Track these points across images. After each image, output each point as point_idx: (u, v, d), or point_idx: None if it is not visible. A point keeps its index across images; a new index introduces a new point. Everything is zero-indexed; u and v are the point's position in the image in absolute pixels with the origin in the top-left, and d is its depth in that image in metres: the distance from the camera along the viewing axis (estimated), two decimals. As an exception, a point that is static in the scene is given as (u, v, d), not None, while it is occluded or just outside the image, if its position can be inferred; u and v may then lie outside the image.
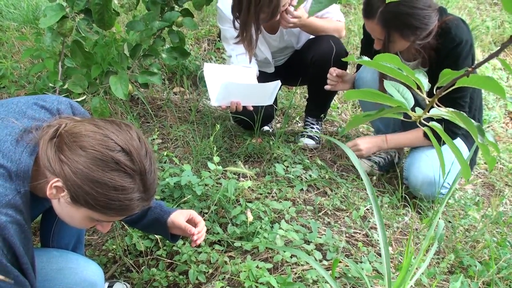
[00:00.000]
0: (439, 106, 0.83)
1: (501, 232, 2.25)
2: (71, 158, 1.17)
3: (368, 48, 2.44)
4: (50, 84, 2.30)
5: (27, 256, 1.19)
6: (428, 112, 0.84)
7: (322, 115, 2.91)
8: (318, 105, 2.87)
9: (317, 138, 2.85)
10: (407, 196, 2.38)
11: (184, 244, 1.96)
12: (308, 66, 2.68)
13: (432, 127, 0.89)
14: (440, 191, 2.35)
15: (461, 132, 2.33)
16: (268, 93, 2.45)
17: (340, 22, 2.64)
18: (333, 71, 2.55)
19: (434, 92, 0.81)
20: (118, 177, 1.17)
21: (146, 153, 1.23)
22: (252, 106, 2.48)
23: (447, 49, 2.15)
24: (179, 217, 1.66)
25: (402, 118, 0.94)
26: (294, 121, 3.22)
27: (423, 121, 0.88)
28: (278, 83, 2.41)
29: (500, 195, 2.69)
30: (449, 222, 2.30)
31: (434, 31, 2.14)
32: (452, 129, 2.26)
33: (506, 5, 0.65)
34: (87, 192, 1.18)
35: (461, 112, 0.81)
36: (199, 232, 1.65)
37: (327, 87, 2.57)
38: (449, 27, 2.14)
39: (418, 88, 0.84)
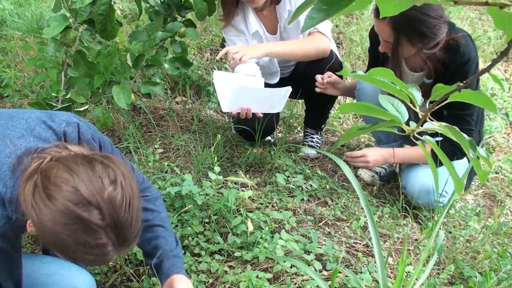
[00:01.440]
0: (432, 120, 0.85)
1: (501, 243, 2.25)
2: (40, 207, 1.10)
3: (375, 55, 2.46)
4: (53, 94, 2.32)
5: (9, 279, 1.19)
6: (421, 126, 0.85)
7: (322, 125, 2.92)
8: (316, 117, 2.88)
9: (318, 148, 2.86)
10: (407, 207, 2.38)
11: (184, 253, 1.97)
12: (302, 77, 2.69)
13: (426, 141, 0.91)
14: (439, 200, 2.35)
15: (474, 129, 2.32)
16: (279, 99, 2.46)
17: (323, 37, 2.58)
18: (320, 78, 2.57)
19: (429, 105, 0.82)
20: (83, 234, 1.10)
21: (122, 201, 1.14)
22: (262, 113, 2.48)
23: (455, 66, 2.16)
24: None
25: (396, 132, 0.95)
26: (296, 130, 3.24)
27: (416, 135, 0.89)
28: (288, 89, 2.42)
29: (501, 206, 2.68)
30: (450, 232, 2.30)
31: (441, 43, 2.14)
32: (460, 149, 2.25)
33: (497, 23, 0.66)
34: (54, 245, 1.14)
35: (460, 127, 0.82)
36: None
37: (317, 89, 2.59)
38: (459, 44, 2.14)
39: (412, 102, 0.86)
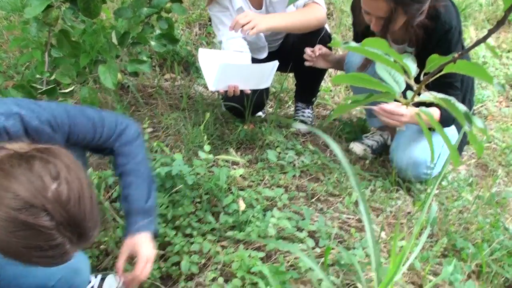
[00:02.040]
0: (427, 91, 0.82)
1: (494, 213, 2.25)
2: None
3: (360, 31, 2.41)
4: (38, 76, 2.26)
5: None
6: (417, 97, 0.82)
7: (313, 99, 2.89)
8: (306, 90, 2.85)
9: (309, 122, 2.83)
10: (399, 180, 2.37)
11: (176, 234, 1.95)
12: (291, 51, 2.65)
13: (421, 112, 0.88)
14: (426, 172, 2.32)
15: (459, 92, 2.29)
16: (266, 74, 2.42)
17: (321, 7, 2.54)
18: (310, 50, 2.50)
19: (422, 77, 0.79)
20: (35, 239, 1.05)
21: (69, 196, 1.08)
22: (250, 90, 2.44)
23: (438, 34, 2.12)
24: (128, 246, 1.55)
25: (392, 101, 0.92)
26: (287, 105, 3.20)
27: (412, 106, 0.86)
28: (275, 63, 2.37)
29: (493, 175, 2.68)
30: (442, 204, 2.29)
31: (426, 8, 2.11)
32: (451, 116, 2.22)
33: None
34: (6, 252, 1.09)
35: (451, 96, 0.79)
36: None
37: (306, 63, 2.52)
38: (439, 12, 2.10)
39: (406, 73, 0.82)
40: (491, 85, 0.69)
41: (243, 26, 2.29)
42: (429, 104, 0.87)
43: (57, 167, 1.10)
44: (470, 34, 4.12)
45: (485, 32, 4.21)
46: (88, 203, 1.12)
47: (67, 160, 1.13)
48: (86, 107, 1.55)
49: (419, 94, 0.82)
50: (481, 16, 4.38)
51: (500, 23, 0.63)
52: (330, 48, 2.56)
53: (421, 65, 0.79)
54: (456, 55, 0.70)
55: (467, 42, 4.03)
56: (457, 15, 2.16)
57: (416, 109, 0.84)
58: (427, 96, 0.81)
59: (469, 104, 2.48)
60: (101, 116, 1.53)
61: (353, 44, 0.79)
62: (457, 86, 2.23)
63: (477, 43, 0.69)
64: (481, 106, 3.37)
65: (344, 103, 0.87)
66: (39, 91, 2.20)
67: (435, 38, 2.14)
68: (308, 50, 2.50)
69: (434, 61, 0.76)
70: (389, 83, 0.84)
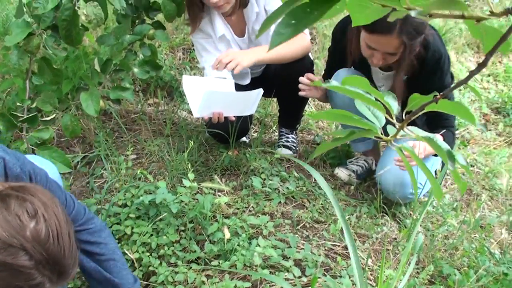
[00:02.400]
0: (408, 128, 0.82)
1: (479, 238, 2.25)
2: None
3: (338, 55, 2.43)
4: (19, 104, 2.23)
5: None
6: (397, 136, 0.81)
7: (297, 125, 2.89)
8: (290, 116, 2.85)
9: (293, 148, 2.83)
10: (384, 206, 2.36)
11: (160, 263, 1.92)
12: (273, 77, 2.66)
13: (402, 148, 0.87)
14: (412, 192, 2.32)
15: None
16: (251, 101, 2.41)
17: (305, 36, 2.54)
18: (305, 77, 2.44)
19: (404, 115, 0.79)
20: (14, 279, 1.02)
21: (48, 233, 1.06)
22: (234, 116, 2.43)
23: (430, 63, 2.16)
24: None
25: (373, 137, 0.92)
26: (271, 130, 3.20)
27: (394, 143, 0.86)
28: (260, 91, 2.37)
29: (477, 200, 2.69)
30: (428, 230, 2.29)
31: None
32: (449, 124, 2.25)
33: (474, 33, 0.63)
34: None
35: (448, 127, 0.79)
36: None
37: (301, 93, 2.46)
38: (429, 41, 2.14)
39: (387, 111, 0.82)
40: (474, 125, 0.70)
41: (226, 64, 2.31)
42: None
43: (34, 205, 1.07)
44: (451, 59, 4.17)
45: (465, 56, 4.28)
46: (66, 240, 1.10)
47: (43, 198, 1.11)
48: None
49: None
50: (461, 41, 4.45)
51: (481, 66, 0.63)
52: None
53: (410, 92, 0.79)
54: (438, 95, 0.70)
55: (449, 66, 4.08)
56: (443, 43, 2.21)
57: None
58: (408, 134, 0.80)
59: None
60: (73, 198, 1.54)
61: (334, 83, 0.78)
62: (453, 123, 2.27)
63: (459, 84, 0.69)
64: (464, 130, 3.40)
65: (325, 142, 0.86)
66: (20, 119, 2.17)
67: (427, 66, 2.17)
68: (303, 79, 2.43)
69: (415, 99, 0.76)
70: (370, 119, 0.84)
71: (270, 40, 0.62)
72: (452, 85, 2.23)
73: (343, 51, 2.38)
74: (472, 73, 0.65)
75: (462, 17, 0.58)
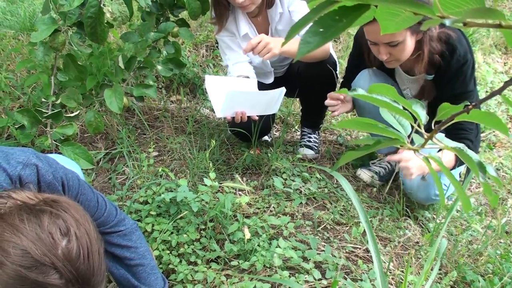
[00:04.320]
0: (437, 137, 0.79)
1: (504, 245, 2.20)
2: None
3: (358, 63, 2.40)
4: (43, 99, 2.25)
5: None
6: (425, 146, 0.79)
7: (319, 125, 2.87)
8: (312, 116, 2.83)
9: (315, 148, 2.80)
10: (407, 209, 2.33)
11: (180, 262, 1.92)
12: (297, 77, 2.63)
13: (430, 158, 0.85)
14: (437, 193, 2.28)
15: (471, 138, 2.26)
16: (273, 100, 2.40)
17: None
18: (329, 97, 2.41)
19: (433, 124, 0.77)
20: None
21: (79, 252, 1.06)
22: (257, 116, 2.42)
23: (454, 68, 2.12)
24: None
25: (399, 146, 0.89)
26: (294, 129, 3.18)
27: (421, 152, 0.84)
28: (282, 90, 2.35)
29: (503, 204, 2.64)
30: (451, 235, 2.25)
31: (435, 33, 2.09)
32: (465, 137, 2.19)
33: (511, 43, 0.61)
34: None
35: (466, 138, 0.77)
36: None
37: (334, 114, 2.44)
38: (455, 46, 2.09)
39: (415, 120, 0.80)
40: (507, 136, 0.67)
41: (259, 50, 2.25)
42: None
43: (67, 222, 1.07)
44: (478, 60, 4.09)
45: (493, 57, 4.19)
46: (96, 258, 1.10)
47: (76, 214, 1.11)
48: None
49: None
50: (488, 42, 4.36)
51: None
52: (333, 82, 2.54)
53: (438, 98, 0.77)
54: (470, 105, 0.67)
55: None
56: (470, 47, 2.15)
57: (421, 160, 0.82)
58: (438, 142, 0.78)
59: (477, 130, 2.45)
60: (105, 199, 1.54)
61: (360, 91, 0.77)
62: (471, 127, 2.21)
63: (493, 94, 0.66)
64: (490, 133, 3.33)
65: (350, 152, 0.84)
66: (45, 115, 2.19)
67: (451, 69, 2.13)
68: (329, 101, 2.41)
69: (446, 109, 0.73)
70: (396, 128, 0.82)
71: (297, 48, 0.60)
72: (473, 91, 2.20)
73: (362, 58, 2.37)
74: (507, 84, 0.63)
75: (499, 26, 0.55)
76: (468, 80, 2.15)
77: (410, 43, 2.08)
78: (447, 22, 0.56)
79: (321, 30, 0.59)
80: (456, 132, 2.15)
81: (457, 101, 0.82)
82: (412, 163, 2.00)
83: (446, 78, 2.15)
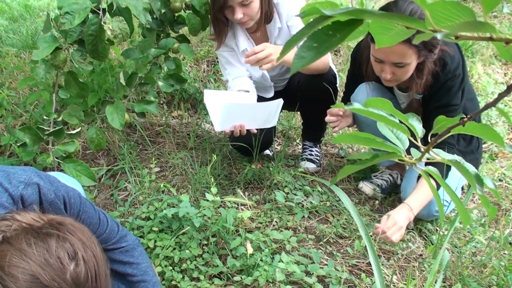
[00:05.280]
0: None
1: (508, 256, 2.19)
2: None
3: (359, 77, 2.41)
4: (45, 117, 2.26)
5: None
6: (422, 159, 0.80)
7: (320, 138, 2.87)
8: (313, 129, 2.84)
9: (317, 161, 2.81)
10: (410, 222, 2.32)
11: (183, 278, 1.92)
12: (297, 91, 2.64)
13: (428, 172, 0.85)
14: (438, 209, 2.28)
15: (456, 146, 2.26)
16: (271, 113, 2.40)
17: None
18: (329, 113, 2.40)
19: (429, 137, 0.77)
20: None
21: (87, 275, 1.06)
22: (256, 129, 2.42)
23: (440, 82, 2.13)
24: None
25: (397, 160, 0.90)
26: (295, 143, 3.18)
27: (418, 165, 0.84)
28: (280, 101, 2.35)
29: (506, 215, 2.62)
30: (455, 247, 2.24)
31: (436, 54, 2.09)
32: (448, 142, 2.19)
33: (503, 54, 0.62)
34: None
35: (460, 157, 0.77)
36: None
37: (334, 129, 2.43)
38: (446, 62, 2.10)
39: (412, 134, 0.81)
40: (502, 147, 0.68)
41: (259, 59, 2.24)
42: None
43: (74, 246, 1.07)
44: (477, 71, 4.10)
45: (493, 68, 4.20)
46: (103, 280, 1.10)
47: (82, 237, 1.10)
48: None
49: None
50: (488, 52, 4.37)
51: (510, 88, 0.61)
52: (332, 96, 2.55)
53: (426, 110, 0.78)
54: (465, 118, 0.68)
55: (475, 78, 4.01)
56: (463, 61, 2.16)
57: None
58: (434, 156, 0.78)
59: (477, 142, 2.45)
60: (106, 215, 1.54)
61: (357, 105, 0.77)
62: (452, 142, 2.21)
63: (487, 106, 0.67)
64: (492, 144, 3.33)
65: (348, 166, 0.85)
66: (46, 132, 2.20)
67: (437, 85, 2.14)
68: (329, 117, 2.40)
69: (442, 122, 0.74)
70: (393, 142, 0.82)
71: (292, 63, 0.61)
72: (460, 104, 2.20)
73: (361, 73, 2.37)
74: (501, 96, 0.63)
75: (491, 39, 0.56)
76: (454, 93, 2.14)
77: (414, 65, 2.08)
78: (438, 36, 0.56)
79: (315, 45, 0.59)
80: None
81: (441, 113, 0.83)
82: (390, 233, 1.99)
83: (433, 91, 2.16)
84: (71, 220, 1.15)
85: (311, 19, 0.61)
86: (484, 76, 4.08)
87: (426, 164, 0.83)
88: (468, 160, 2.34)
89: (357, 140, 0.85)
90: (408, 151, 0.83)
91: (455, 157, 0.77)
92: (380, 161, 0.82)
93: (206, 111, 3.33)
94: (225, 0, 2.28)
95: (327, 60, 2.52)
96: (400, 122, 0.78)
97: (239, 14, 2.31)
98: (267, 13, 2.42)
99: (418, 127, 0.79)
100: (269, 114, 2.40)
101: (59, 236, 1.07)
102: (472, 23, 0.56)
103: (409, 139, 0.84)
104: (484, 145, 3.18)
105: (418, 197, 2.17)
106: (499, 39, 0.56)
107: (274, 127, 2.70)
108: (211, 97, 2.41)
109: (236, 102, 2.39)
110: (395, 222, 2.02)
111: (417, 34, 0.61)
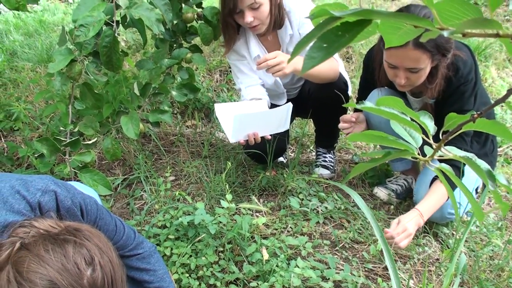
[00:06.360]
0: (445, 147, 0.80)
1: (526, 259, 2.17)
2: None
3: (372, 83, 2.42)
4: (61, 128, 2.30)
5: None
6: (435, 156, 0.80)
7: (334, 144, 2.88)
8: (326, 136, 2.84)
9: (331, 167, 2.81)
10: (426, 226, 2.31)
11: (199, 285, 1.93)
12: (309, 98, 2.66)
13: (442, 169, 0.86)
14: (451, 212, 2.27)
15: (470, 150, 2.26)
16: (283, 117, 2.41)
17: (335, 61, 2.55)
18: (342, 120, 2.41)
19: (440, 135, 0.78)
20: None
21: (104, 281, 1.07)
22: (270, 135, 2.43)
23: (453, 86, 2.13)
24: None
25: (410, 158, 0.90)
26: (309, 150, 3.19)
27: (431, 163, 0.84)
28: (289, 105, 2.36)
29: (523, 218, 2.61)
30: (472, 251, 2.23)
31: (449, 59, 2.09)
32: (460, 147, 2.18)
33: (511, 51, 0.62)
34: None
35: (472, 154, 0.77)
36: None
37: (348, 136, 2.45)
38: (459, 67, 2.10)
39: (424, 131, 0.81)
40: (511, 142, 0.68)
41: (271, 66, 2.27)
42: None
43: (91, 252, 1.09)
44: (491, 74, 4.08)
45: (507, 72, 4.18)
46: (120, 286, 1.12)
47: (99, 242, 1.12)
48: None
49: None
50: (502, 56, 4.35)
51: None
52: (344, 109, 2.55)
53: (438, 115, 0.78)
54: (475, 114, 0.69)
55: (489, 82, 4.00)
56: (476, 66, 2.15)
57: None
58: (446, 153, 0.79)
59: (492, 145, 2.44)
60: (122, 222, 1.56)
61: (368, 104, 0.78)
62: (468, 138, 2.21)
63: (497, 102, 0.67)
64: (507, 147, 3.31)
65: (361, 164, 0.86)
66: (63, 143, 2.24)
67: (449, 90, 2.14)
68: (342, 124, 2.41)
69: (453, 119, 0.75)
70: (406, 140, 0.83)
71: (302, 64, 0.62)
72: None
73: (373, 79, 2.38)
74: (510, 92, 0.64)
75: (497, 35, 0.57)
76: (467, 98, 2.14)
77: (428, 69, 2.08)
78: (445, 34, 0.57)
79: (324, 45, 0.61)
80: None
81: None
82: (399, 239, 2.03)
83: (445, 96, 2.16)
84: (88, 226, 1.17)
85: (321, 20, 0.63)
86: (498, 80, 4.06)
87: (440, 162, 0.84)
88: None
89: (370, 138, 0.86)
90: (421, 152, 0.84)
91: (467, 154, 0.77)
92: (392, 158, 0.83)
93: (219, 123, 3.37)
94: (235, 4, 2.31)
95: (337, 68, 2.53)
96: (412, 120, 0.79)
97: (249, 18, 2.33)
98: (277, 18, 2.44)
99: (430, 124, 0.80)
100: (281, 119, 2.42)
101: (76, 242, 1.09)
102: (479, 20, 0.57)
103: (422, 138, 0.85)
104: (499, 149, 3.17)
105: (429, 203, 2.19)
106: (505, 35, 0.57)
107: (288, 134, 2.71)
108: (222, 110, 2.43)
109: (246, 112, 2.41)
110: (405, 228, 2.05)
111: (425, 32, 0.62)
